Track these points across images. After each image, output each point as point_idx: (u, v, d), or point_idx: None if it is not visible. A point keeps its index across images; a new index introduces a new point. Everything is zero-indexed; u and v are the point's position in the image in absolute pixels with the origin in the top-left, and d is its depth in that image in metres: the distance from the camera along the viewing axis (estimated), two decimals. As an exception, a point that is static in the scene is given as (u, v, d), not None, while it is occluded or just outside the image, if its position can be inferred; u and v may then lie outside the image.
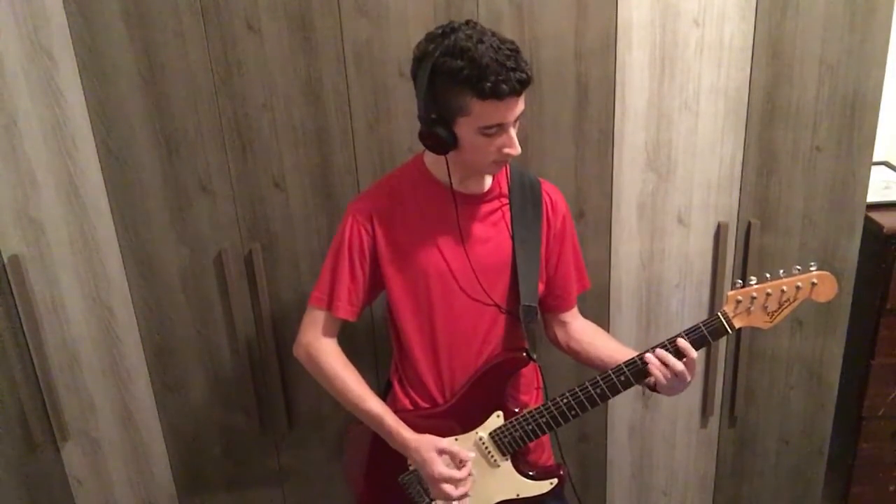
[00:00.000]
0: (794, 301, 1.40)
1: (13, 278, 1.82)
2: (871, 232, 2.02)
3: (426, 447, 1.46)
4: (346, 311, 1.50)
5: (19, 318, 1.86)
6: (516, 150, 1.34)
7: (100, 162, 1.77)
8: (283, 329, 1.94)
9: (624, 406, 2.08)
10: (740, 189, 1.89)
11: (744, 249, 1.92)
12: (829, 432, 2.12)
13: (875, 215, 2.06)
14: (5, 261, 1.81)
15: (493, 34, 1.28)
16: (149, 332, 1.93)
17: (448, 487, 1.44)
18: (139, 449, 2.04)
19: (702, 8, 1.73)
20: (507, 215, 1.49)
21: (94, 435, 2.01)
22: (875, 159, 1.93)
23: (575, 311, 1.64)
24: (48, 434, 1.98)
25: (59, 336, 1.91)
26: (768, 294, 1.39)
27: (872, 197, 1.99)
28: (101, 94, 1.71)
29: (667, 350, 1.41)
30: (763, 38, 1.76)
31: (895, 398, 2.17)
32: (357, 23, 1.70)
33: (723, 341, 2.02)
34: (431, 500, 1.52)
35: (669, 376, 1.41)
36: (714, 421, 2.11)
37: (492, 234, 1.48)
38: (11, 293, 1.83)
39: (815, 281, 1.38)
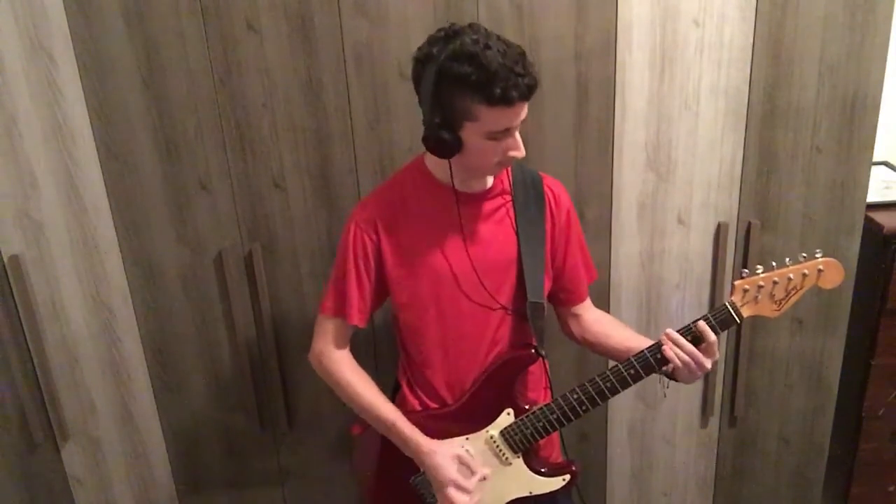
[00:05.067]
0: (800, 289, 1.40)
1: (13, 278, 1.82)
2: (871, 232, 2.02)
3: (443, 452, 1.46)
4: (357, 318, 1.50)
5: (19, 318, 1.86)
6: (521, 152, 1.34)
7: (100, 162, 1.77)
8: (283, 329, 1.94)
9: (624, 406, 2.08)
10: (740, 189, 1.89)
11: (744, 249, 1.92)
12: (829, 432, 2.12)
13: (875, 215, 2.06)
14: (5, 261, 1.81)
15: (499, 38, 1.27)
16: (149, 332, 1.93)
17: (455, 493, 1.45)
18: (139, 449, 2.04)
19: (702, 8, 1.73)
20: (511, 212, 1.49)
21: (94, 435, 2.01)
22: (875, 159, 1.93)
23: (587, 302, 1.64)
24: (48, 434, 1.98)
25: (59, 336, 1.91)
26: (775, 282, 1.39)
27: (872, 197, 1.99)
28: (101, 94, 1.71)
29: (683, 336, 1.41)
30: (763, 38, 1.76)
31: (895, 398, 2.17)
32: (357, 23, 1.70)
33: (723, 341, 2.02)
34: None
35: (687, 360, 1.40)
36: (714, 421, 2.11)
37: (496, 231, 1.48)
38: (11, 293, 1.83)
39: (821, 268, 1.39)
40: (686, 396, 2.08)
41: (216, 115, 1.75)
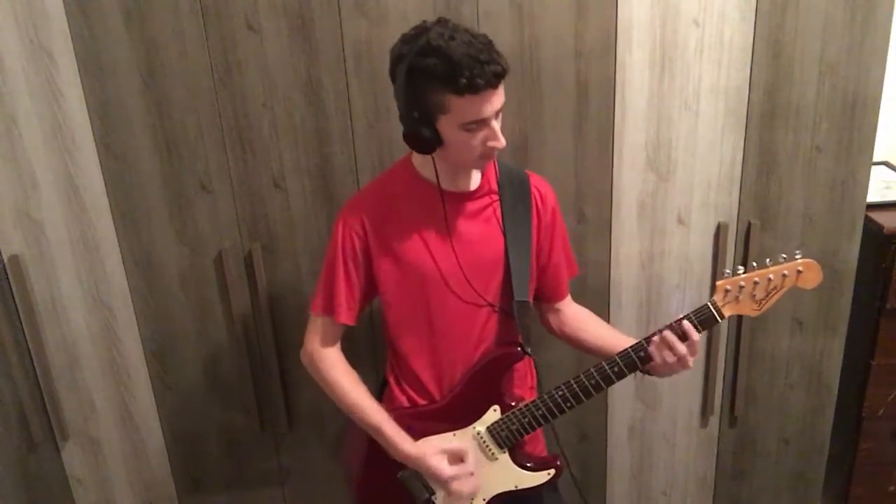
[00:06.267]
0: (781, 289, 1.42)
1: (13, 278, 1.82)
2: (871, 232, 2.02)
3: (429, 454, 1.48)
4: (345, 317, 1.51)
5: (19, 318, 1.86)
6: (501, 142, 1.34)
7: (100, 162, 1.77)
8: (283, 329, 1.94)
9: (624, 406, 2.08)
10: (740, 189, 1.89)
11: (744, 249, 1.92)
12: (829, 432, 2.12)
13: (875, 215, 2.06)
14: (5, 261, 1.81)
15: (466, 30, 1.29)
16: (149, 332, 1.93)
17: (458, 485, 1.48)
18: (139, 449, 2.04)
19: (702, 8, 1.73)
20: (498, 211, 1.50)
21: (94, 435, 2.01)
22: (875, 159, 1.93)
23: (568, 298, 1.66)
24: (48, 433, 1.98)
25: (59, 336, 1.91)
26: (756, 283, 1.41)
27: (872, 197, 1.99)
28: (101, 94, 1.71)
29: (671, 331, 1.43)
30: (763, 38, 1.76)
31: (895, 398, 2.17)
32: (357, 23, 1.70)
33: (723, 341, 2.02)
34: (431, 494, 1.53)
35: (671, 359, 1.43)
36: (714, 421, 2.11)
37: (483, 231, 1.49)
38: (11, 293, 1.84)
39: (800, 269, 1.40)
40: (686, 396, 2.08)
41: (216, 115, 1.75)
